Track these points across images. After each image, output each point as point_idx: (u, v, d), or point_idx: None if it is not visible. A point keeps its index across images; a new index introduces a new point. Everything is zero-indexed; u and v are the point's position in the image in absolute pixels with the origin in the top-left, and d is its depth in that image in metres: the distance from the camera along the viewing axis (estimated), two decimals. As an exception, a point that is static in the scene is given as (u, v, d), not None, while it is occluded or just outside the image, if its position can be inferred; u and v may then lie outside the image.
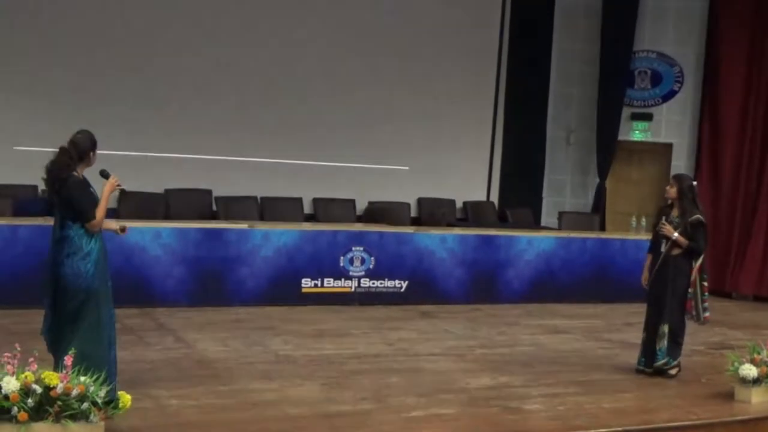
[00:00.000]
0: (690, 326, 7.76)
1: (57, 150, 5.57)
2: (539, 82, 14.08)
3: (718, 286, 12.35)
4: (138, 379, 6.33)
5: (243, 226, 10.00)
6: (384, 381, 6.95)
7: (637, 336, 8.03)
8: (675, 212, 7.60)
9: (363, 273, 10.39)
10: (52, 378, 4.89)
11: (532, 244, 11.34)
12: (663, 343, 7.51)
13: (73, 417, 4.87)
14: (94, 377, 5.03)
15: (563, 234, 11.93)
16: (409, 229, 11.10)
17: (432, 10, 13.09)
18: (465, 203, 13.59)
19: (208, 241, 9.70)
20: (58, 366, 5.21)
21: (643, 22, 13.67)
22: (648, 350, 7.61)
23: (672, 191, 7.62)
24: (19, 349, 4.98)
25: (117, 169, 5.88)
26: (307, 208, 12.37)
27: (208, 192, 11.81)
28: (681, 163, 13.49)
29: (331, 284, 10.24)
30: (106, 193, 5.65)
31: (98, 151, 5.71)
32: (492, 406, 6.42)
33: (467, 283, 10.93)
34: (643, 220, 12.20)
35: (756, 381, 6.78)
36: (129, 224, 8.97)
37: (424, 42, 13.03)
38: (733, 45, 13.09)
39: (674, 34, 13.67)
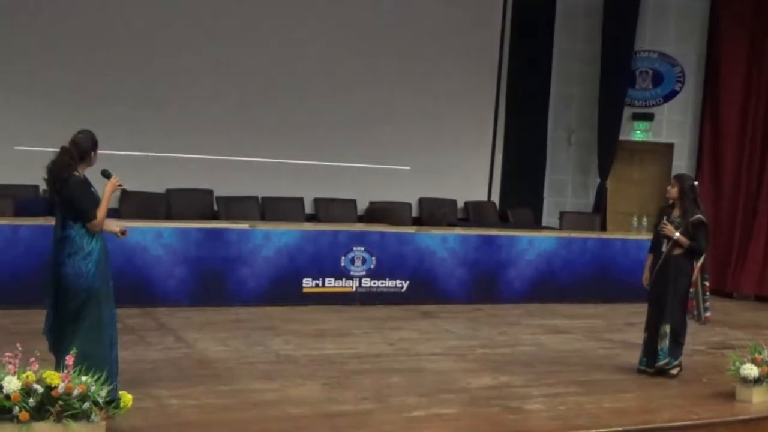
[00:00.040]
0: (691, 326, 7.76)
1: (58, 150, 5.57)
2: (540, 82, 14.07)
3: (719, 286, 12.34)
4: (139, 378, 6.33)
5: (244, 226, 10.00)
6: (385, 381, 6.95)
7: (638, 336, 8.03)
8: (676, 212, 7.60)
9: (364, 273, 10.39)
10: (53, 378, 4.89)
11: (533, 244, 11.34)
12: (665, 343, 7.51)
13: (75, 417, 4.87)
14: (96, 377, 5.03)
15: (564, 234, 11.93)
16: (410, 229, 11.10)
17: (433, 10, 13.09)
18: (466, 203, 13.59)
19: (209, 241, 9.70)
20: (59, 366, 5.22)
21: (644, 21, 13.67)
22: (649, 350, 7.61)
23: (673, 191, 7.62)
24: (20, 348, 4.98)
25: (118, 169, 5.88)
26: (308, 208, 12.37)
27: (210, 192, 11.82)
28: (682, 163, 13.50)
29: (332, 284, 10.24)
30: (107, 192, 5.66)
31: (99, 151, 5.71)
32: (493, 405, 6.42)
33: (468, 283, 10.93)
34: (644, 220, 12.19)
35: (757, 381, 6.77)
36: (130, 224, 9.01)
37: (424, 42, 13.03)
38: (734, 45, 13.09)
39: (675, 34, 13.67)
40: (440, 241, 10.83)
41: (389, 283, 10.52)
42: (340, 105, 12.49)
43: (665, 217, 7.62)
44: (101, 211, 5.55)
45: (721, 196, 13.15)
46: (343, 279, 10.30)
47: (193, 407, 5.94)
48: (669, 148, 13.75)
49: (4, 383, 4.80)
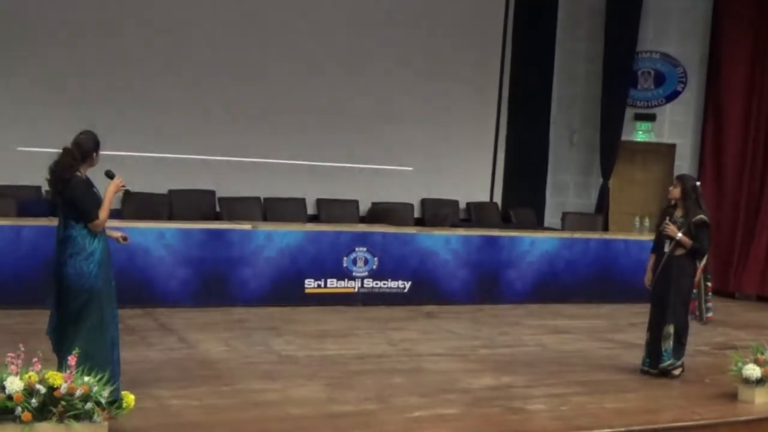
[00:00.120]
0: (693, 326, 7.76)
1: (60, 151, 5.59)
2: (542, 83, 14.07)
3: (721, 287, 12.34)
4: (140, 379, 6.33)
5: (246, 226, 10.00)
6: (387, 381, 6.95)
7: (640, 336, 8.03)
8: (678, 212, 7.60)
9: (366, 273, 10.39)
10: (55, 378, 4.90)
11: (535, 244, 11.34)
12: (668, 344, 7.50)
13: (77, 417, 4.87)
14: (98, 377, 5.04)
15: (566, 234, 11.92)
16: (412, 230, 11.10)
17: (435, 11, 13.09)
18: (468, 204, 13.59)
19: (211, 241, 9.70)
20: (62, 366, 5.22)
21: (646, 22, 13.66)
22: (653, 351, 7.60)
23: (675, 191, 7.61)
24: (23, 349, 4.98)
25: (120, 170, 5.89)
26: (311, 209, 12.37)
27: (212, 193, 11.83)
28: (684, 163, 13.48)
29: (334, 285, 10.24)
30: (110, 193, 5.67)
31: (101, 152, 5.72)
32: (495, 406, 6.42)
33: (470, 284, 10.93)
34: (647, 220, 12.19)
35: (759, 381, 6.77)
36: (132, 225, 9.09)
37: (427, 42, 13.03)
38: (736, 45, 13.08)
39: (677, 35, 13.66)
40: (442, 242, 10.83)
41: (391, 283, 10.52)
42: (341, 106, 12.49)
43: (667, 218, 7.62)
44: (103, 212, 5.57)
45: (724, 196, 13.14)
46: (345, 279, 10.30)
47: (195, 407, 5.95)
48: (671, 148, 13.74)
49: (7, 383, 4.81)
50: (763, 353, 6.89)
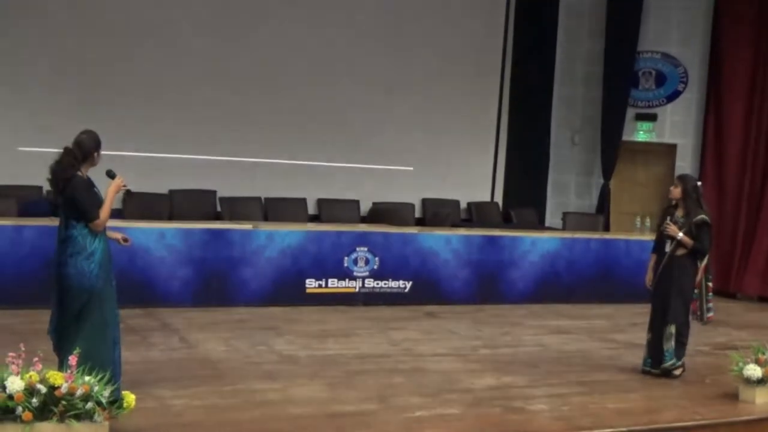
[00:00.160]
0: (694, 327, 7.77)
1: (61, 150, 5.59)
2: (543, 83, 14.07)
3: (722, 287, 12.34)
4: (142, 379, 6.33)
5: (247, 226, 10.01)
6: (388, 381, 6.95)
7: (641, 337, 8.03)
8: (679, 212, 7.59)
9: (367, 273, 10.39)
10: (56, 378, 4.90)
11: (536, 244, 11.33)
12: (670, 344, 7.50)
13: (78, 417, 4.87)
14: (99, 377, 5.04)
15: (567, 234, 11.92)
16: (413, 230, 11.10)
17: (435, 10, 13.09)
18: (469, 204, 13.60)
19: (212, 241, 9.70)
20: (62, 366, 5.22)
21: (647, 22, 13.66)
22: (654, 351, 7.60)
23: (676, 191, 7.61)
24: (23, 348, 4.98)
25: (120, 170, 5.90)
26: (312, 209, 12.38)
27: (212, 192, 11.83)
28: (685, 163, 13.49)
29: (335, 285, 10.25)
30: (111, 193, 5.67)
31: (102, 152, 5.73)
32: (496, 406, 6.42)
33: (471, 284, 10.93)
34: (648, 220, 12.19)
35: (760, 381, 6.78)
36: (133, 225, 9.10)
37: (427, 42, 13.03)
38: (737, 45, 13.08)
39: (678, 35, 13.66)
40: (443, 242, 10.83)
41: (392, 283, 10.52)
42: (342, 106, 12.50)
43: (668, 218, 7.61)
44: (104, 211, 5.57)
45: (725, 196, 13.13)
46: (346, 279, 10.30)
47: (196, 407, 5.95)
48: (672, 148, 13.74)
49: (8, 383, 4.81)
50: (763, 353, 6.89)
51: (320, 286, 10.17)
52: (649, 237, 9.76)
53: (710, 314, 7.64)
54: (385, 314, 9.91)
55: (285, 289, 9.96)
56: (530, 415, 6.28)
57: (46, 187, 6.25)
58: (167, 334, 8.24)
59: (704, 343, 9.00)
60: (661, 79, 13.75)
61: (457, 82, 13.27)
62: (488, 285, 11.01)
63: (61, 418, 4.85)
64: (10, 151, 10.65)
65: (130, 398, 5.21)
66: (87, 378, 4.98)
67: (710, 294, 7.64)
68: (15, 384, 4.81)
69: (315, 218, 12.20)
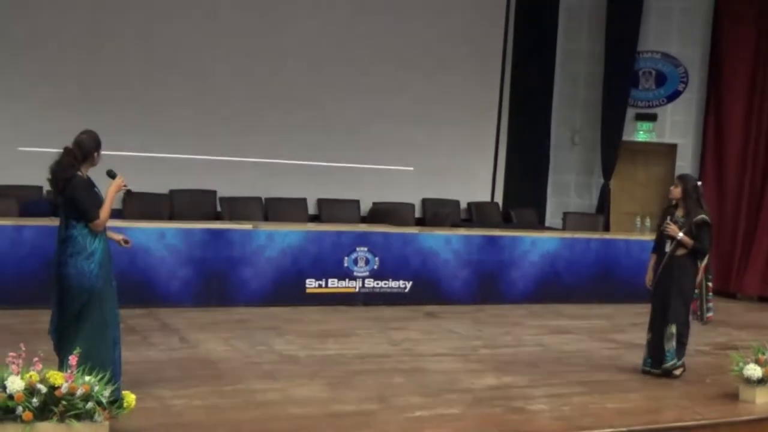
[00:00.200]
0: (694, 327, 7.76)
1: (61, 150, 5.59)
2: (543, 83, 14.07)
3: (722, 287, 12.34)
4: (142, 379, 6.33)
5: (247, 226, 10.01)
6: (388, 381, 6.95)
7: (641, 337, 8.03)
8: (680, 212, 7.59)
9: (367, 273, 10.39)
10: (56, 378, 4.90)
11: (537, 244, 11.33)
12: (671, 344, 7.50)
13: (78, 417, 4.87)
14: (99, 377, 5.04)
15: (567, 234, 11.92)
16: (413, 230, 11.10)
17: (436, 12, 13.09)
18: (469, 204, 13.60)
19: (212, 241, 9.70)
20: (62, 365, 5.22)
21: (647, 22, 13.66)
22: (654, 351, 7.60)
23: (676, 191, 7.61)
24: (24, 348, 4.98)
25: (121, 170, 5.90)
26: (312, 209, 12.38)
27: (213, 192, 11.83)
28: (685, 163, 13.49)
29: (335, 285, 10.25)
30: (111, 192, 5.68)
31: (102, 152, 5.73)
32: (496, 406, 6.42)
33: (472, 284, 10.93)
34: (648, 220, 12.19)
35: (760, 381, 6.78)
36: (133, 225, 9.10)
37: (428, 43, 13.03)
38: (737, 45, 13.08)
39: (678, 35, 13.66)
40: (443, 242, 10.83)
41: (392, 283, 10.52)
42: (342, 106, 12.50)
43: (669, 218, 7.61)
44: (104, 211, 5.57)
45: (725, 196, 13.13)
46: (347, 279, 10.30)
47: (197, 407, 5.95)
48: (672, 148, 13.74)
49: (8, 383, 4.81)
50: (764, 353, 6.89)
51: (320, 286, 10.17)
52: (649, 237, 9.76)
53: (710, 314, 7.62)
54: (385, 314, 9.91)
55: (285, 289, 9.96)
56: (530, 415, 6.28)
57: (46, 187, 6.25)
58: (167, 334, 8.24)
59: (704, 343, 9.00)
60: (661, 79, 13.75)
61: (458, 82, 13.26)
62: (488, 285, 11.01)
63: (62, 418, 4.85)
64: (10, 151, 10.65)
65: (130, 398, 5.21)
66: (87, 378, 4.98)
67: (710, 294, 7.62)
68: (15, 384, 4.81)
69: (315, 218, 12.20)
